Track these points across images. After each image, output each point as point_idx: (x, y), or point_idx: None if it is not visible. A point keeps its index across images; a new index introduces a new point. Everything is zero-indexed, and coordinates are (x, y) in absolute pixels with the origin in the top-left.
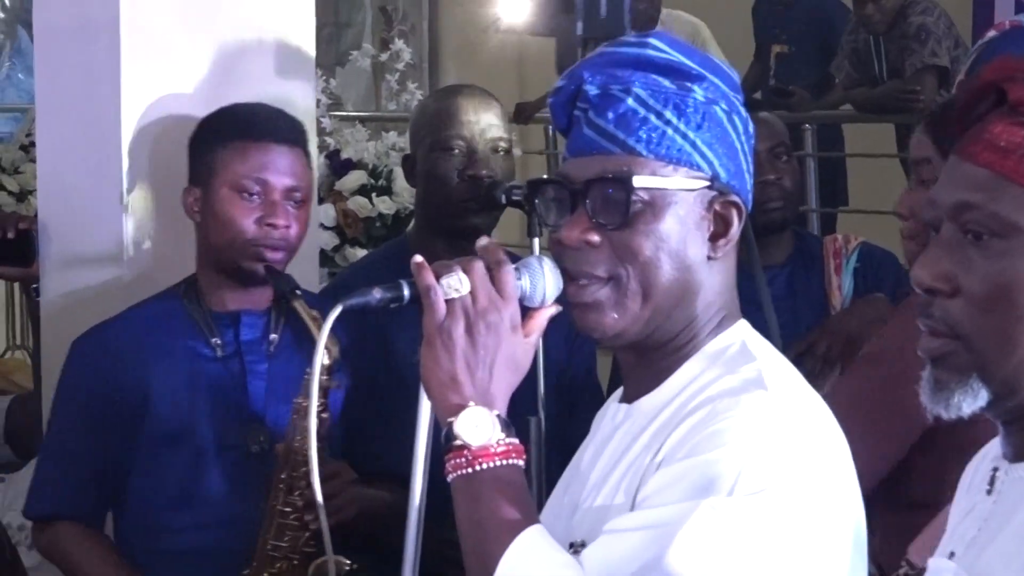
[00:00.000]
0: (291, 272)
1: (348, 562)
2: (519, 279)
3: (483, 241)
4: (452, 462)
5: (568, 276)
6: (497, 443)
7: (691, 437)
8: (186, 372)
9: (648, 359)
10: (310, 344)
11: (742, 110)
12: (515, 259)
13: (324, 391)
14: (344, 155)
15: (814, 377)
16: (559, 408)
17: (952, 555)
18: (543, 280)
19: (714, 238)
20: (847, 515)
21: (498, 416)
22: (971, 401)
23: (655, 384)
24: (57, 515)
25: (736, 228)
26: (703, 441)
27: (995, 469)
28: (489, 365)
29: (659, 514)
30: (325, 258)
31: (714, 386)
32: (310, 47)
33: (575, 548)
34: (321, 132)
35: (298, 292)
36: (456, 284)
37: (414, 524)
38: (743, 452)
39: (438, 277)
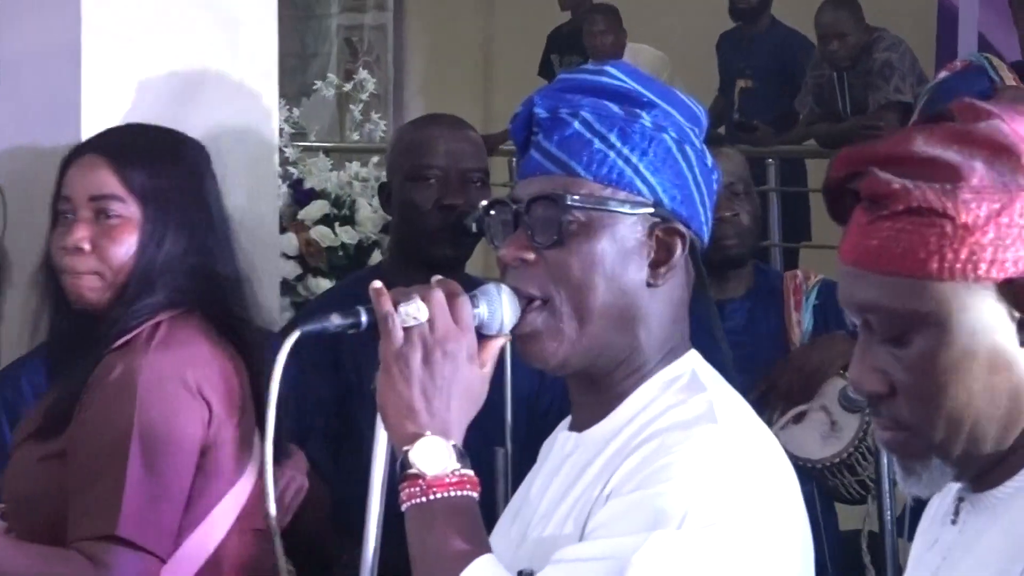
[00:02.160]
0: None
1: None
2: (477, 307)
3: (438, 277)
4: (407, 491)
5: None
6: (452, 473)
7: (641, 469)
8: None
9: (597, 387)
10: None
11: (696, 141)
12: (478, 285)
13: None
14: (307, 184)
15: (775, 413)
16: (528, 439)
17: None
18: (501, 308)
19: (655, 265)
20: (795, 547)
21: (454, 446)
22: (940, 477)
23: (604, 413)
24: None
25: (679, 255)
26: (654, 474)
27: (960, 499)
28: (446, 394)
29: (609, 545)
30: (287, 287)
31: (664, 418)
32: (272, 78)
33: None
34: (284, 161)
35: None
36: (414, 312)
37: (371, 553)
38: (693, 486)
39: (396, 304)
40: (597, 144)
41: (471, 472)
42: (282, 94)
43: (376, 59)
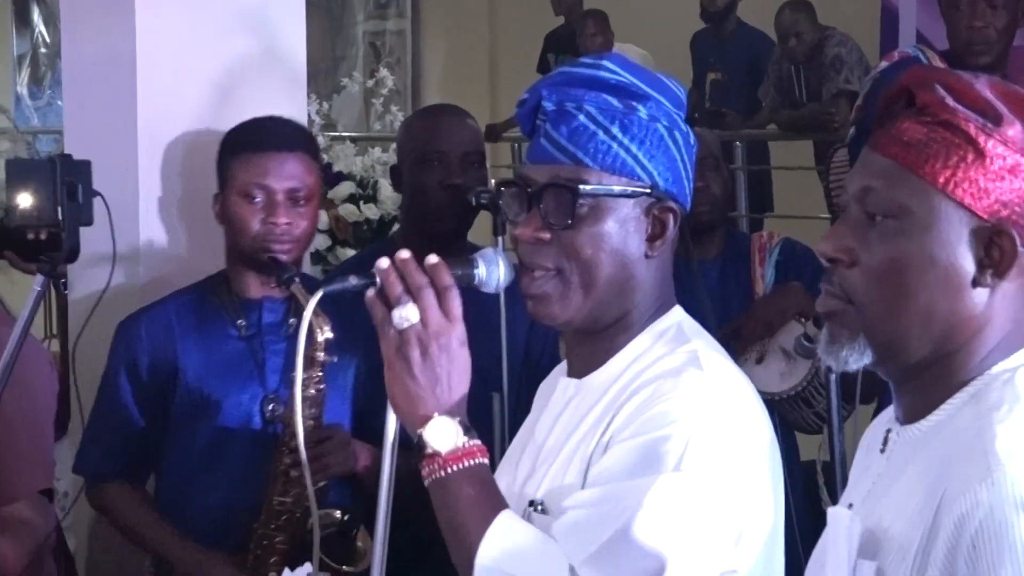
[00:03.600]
0: None
1: (338, 514)
2: (476, 267)
3: (432, 259)
4: (427, 468)
5: (523, 267)
6: (463, 446)
7: (637, 416)
8: (213, 350)
9: (594, 339)
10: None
11: (682, 125)
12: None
13: (320, 364)
14: (336, 168)
15: (738, 355)
16: (521, 384)
17: (851, 506)
18: (497, 269)
19: (652, 239)
20: (769, 477)
21: (460, 422)
22: (857, 358)
23: (602, 361)
24: (104, 474)
25: (672, 230)
26: (650, 420)
27: (888, 431)
28: (446, 380)
29: (619, 488)
30: (319, 257)
31: (656, 367)
32: (302, 78)
33: (534, 506)
34: None
35: (295, 278)
36: (407, 315)
37: (382, 525)
38: (687, 430)
39: (391, 308)
40: (601, 136)
41: (478, 441)
42: (315, 91)
43: (396, 60)
